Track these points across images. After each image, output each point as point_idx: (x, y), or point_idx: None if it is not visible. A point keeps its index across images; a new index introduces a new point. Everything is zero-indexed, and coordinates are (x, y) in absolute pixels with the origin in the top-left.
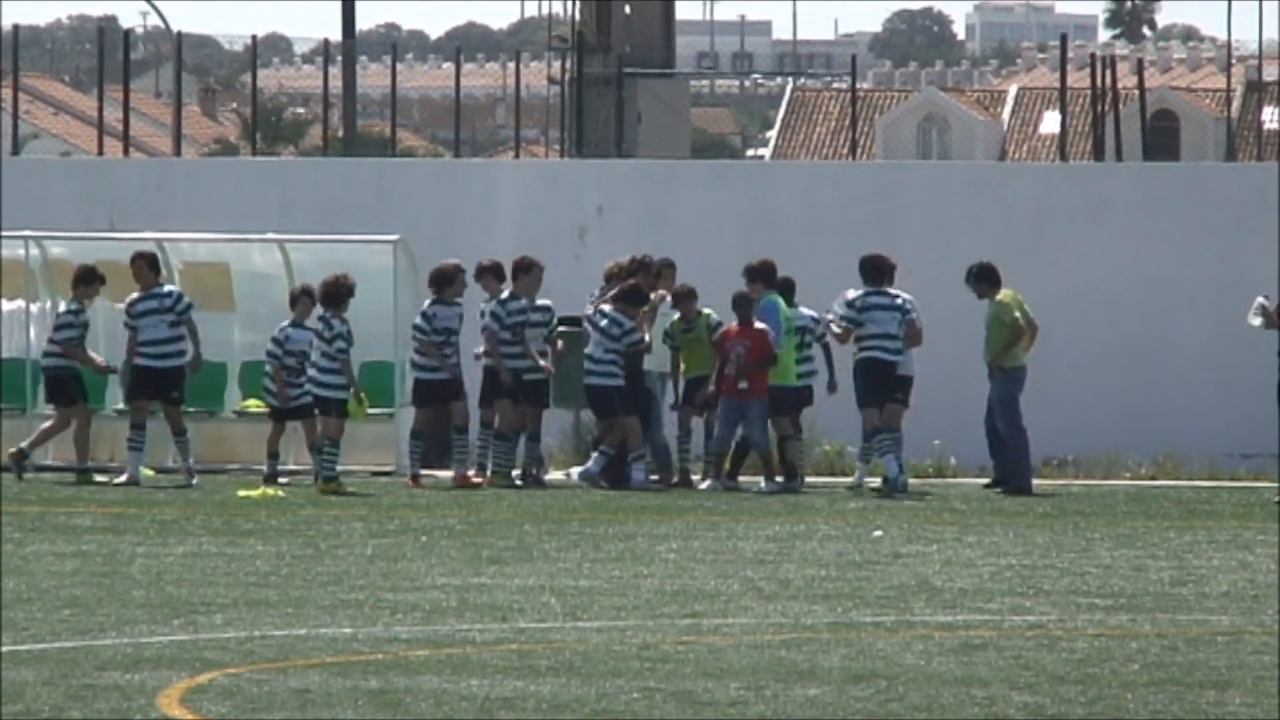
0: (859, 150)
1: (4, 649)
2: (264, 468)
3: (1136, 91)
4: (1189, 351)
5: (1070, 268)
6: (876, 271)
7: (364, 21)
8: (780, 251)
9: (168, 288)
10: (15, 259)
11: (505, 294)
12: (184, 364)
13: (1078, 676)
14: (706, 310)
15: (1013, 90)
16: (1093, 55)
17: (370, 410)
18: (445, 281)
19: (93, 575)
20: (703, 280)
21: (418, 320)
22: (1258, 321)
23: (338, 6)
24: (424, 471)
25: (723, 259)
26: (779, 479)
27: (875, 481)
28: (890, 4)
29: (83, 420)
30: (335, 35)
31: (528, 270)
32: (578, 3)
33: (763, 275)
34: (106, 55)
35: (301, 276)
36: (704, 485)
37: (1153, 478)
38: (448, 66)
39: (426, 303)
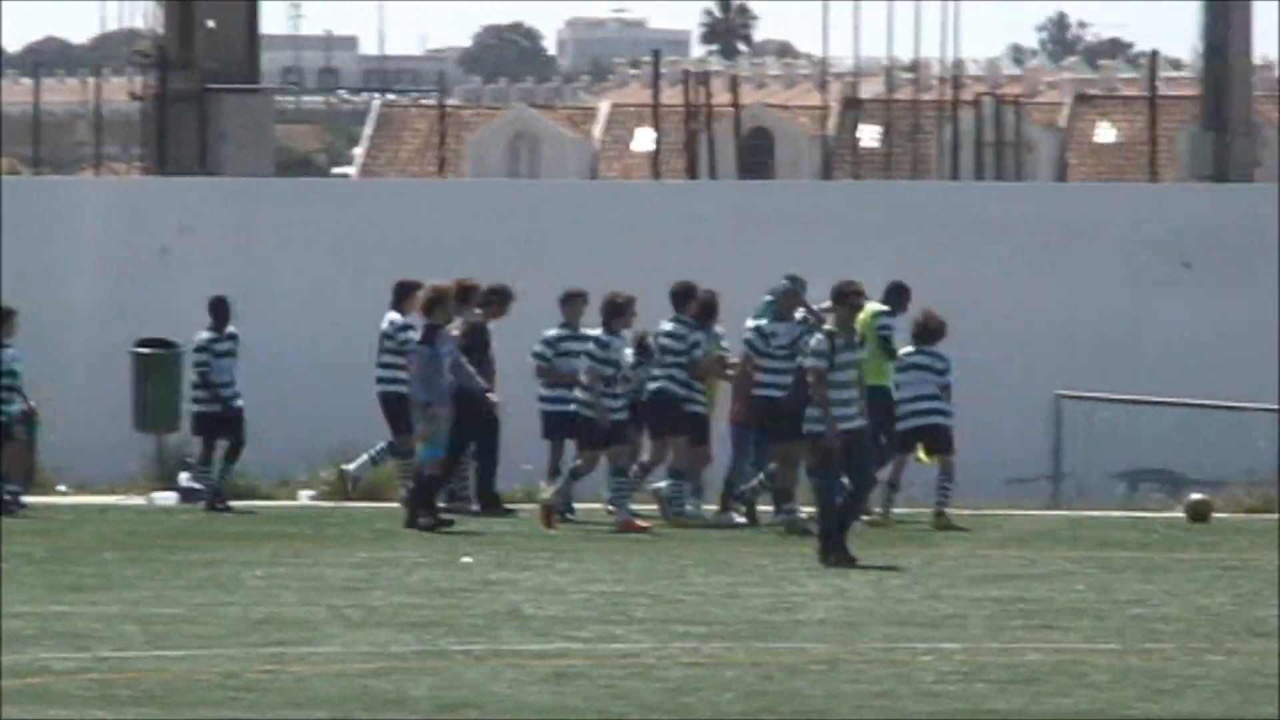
0: (447, 168)
1: None
2: None
3: (731, 108)
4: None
5: (663, 287)
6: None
7: None
8: (369, 272)
9: None
10: None
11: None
12: None
13: (671, 706)
14: None
15: (605, 107)
16: (686, 72)
17: None
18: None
19: None
20: (292, 302)
21: None
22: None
23: None
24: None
25: (311, 279)
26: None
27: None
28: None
29: None
30: None
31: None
32: (160, 17)
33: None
34: None
35: None
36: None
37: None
38: (26, 82)
39: None
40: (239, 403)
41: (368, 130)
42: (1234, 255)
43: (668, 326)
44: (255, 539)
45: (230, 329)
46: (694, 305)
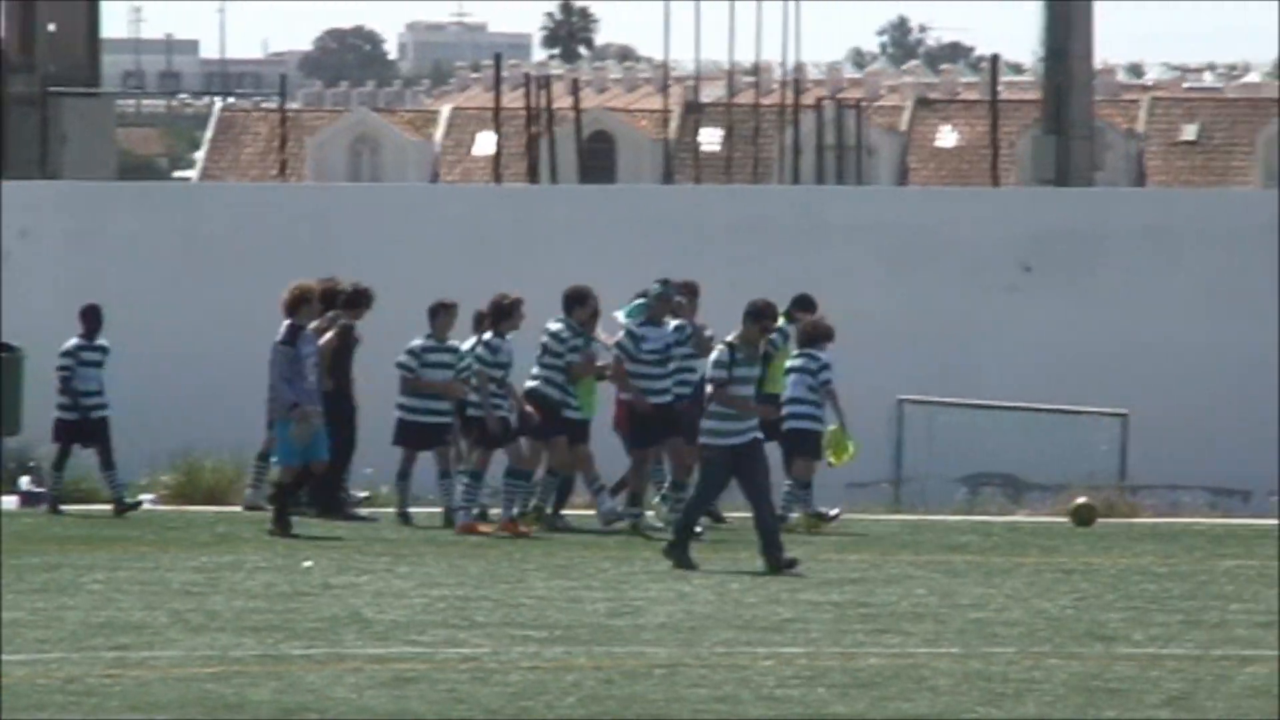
0: (289, 171)
1: None
2: None
3: (572, 112)
4: None
5: (503, 290)
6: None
7: None
8: (211, 275)
9: None
10: None
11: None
12: None
13: (512, 710)
14: None
15: (446, 110)
16: (527, 75)
17: None
18: None
19: None
20: (133, 306)
21: None
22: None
23: None
24: None
25: (152, 282)
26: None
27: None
28: (321, 22)
29: None
30: None
31: None
32: (0, 19)
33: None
34: None
35: None
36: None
37: (587, 508)
38: None
39: None
40: (101, 413)
41: (209, 134)
42: (1075, 259)
43: (553, 327)
44: (96, 543)
45: (101, 340)
46: (583, 311)
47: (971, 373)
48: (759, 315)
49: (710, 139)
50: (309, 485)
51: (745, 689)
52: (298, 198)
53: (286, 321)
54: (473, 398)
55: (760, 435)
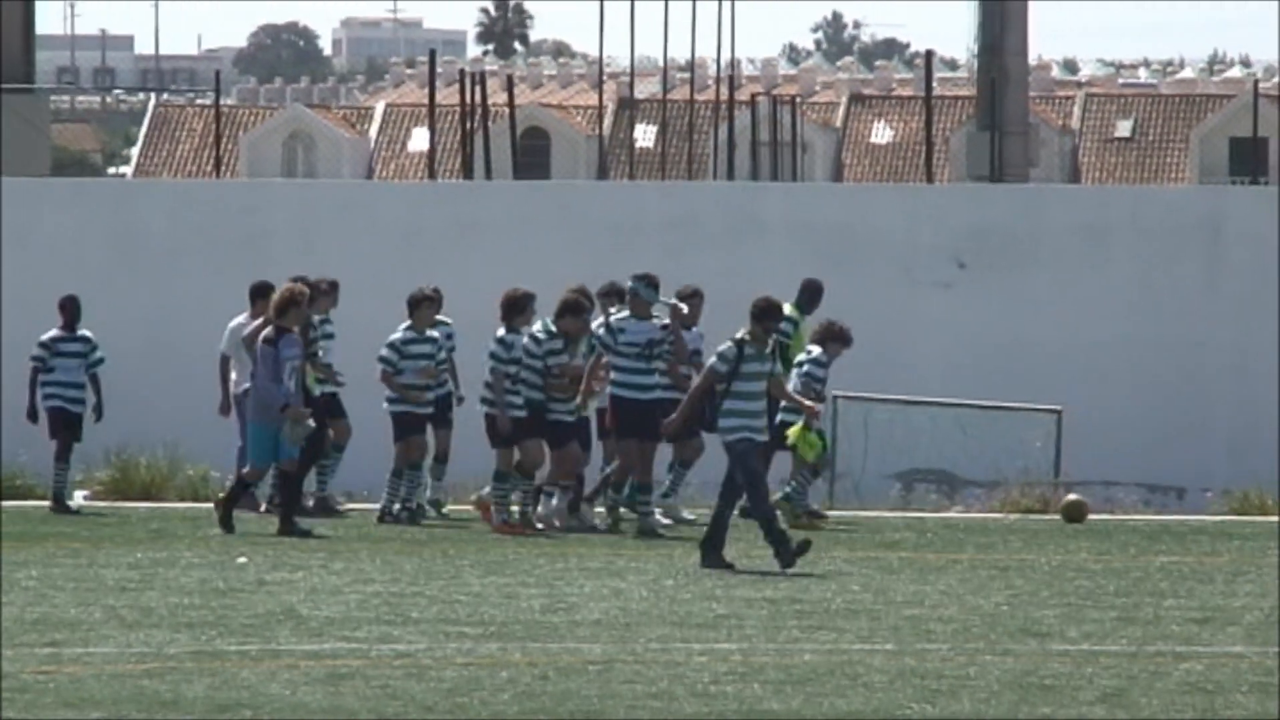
0: (223, 168)
1: None
2: None
3: (507, 109)
4: None
5: (441, 287)
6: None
7: None
8: (146, 272)
9: None
10: None
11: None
12: None
13: (447, 706)
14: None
15: (380, 107)
16: (462, 71)
17: None
18: None
19: None
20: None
21: None
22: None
23: None
24: None
25: (86, 279)
26: None
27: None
28: (256, 18)
29: None
30: None
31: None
32: None
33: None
34: None
35: None
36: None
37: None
38: None
39: None
40: (78, 408)
41: (143, 130)
42: (1009, 256)
43: (536, 333)
44: (30, 539)
45: (83, 331)
46: (569, 321)
47: (906, 369)
48: (762, 315)
49: (645, 135)
50: (281, 484)
51: (680, 685)
52: (232, 194)
53: (275, 322)
54: (487, 395)
55: (766, 438)
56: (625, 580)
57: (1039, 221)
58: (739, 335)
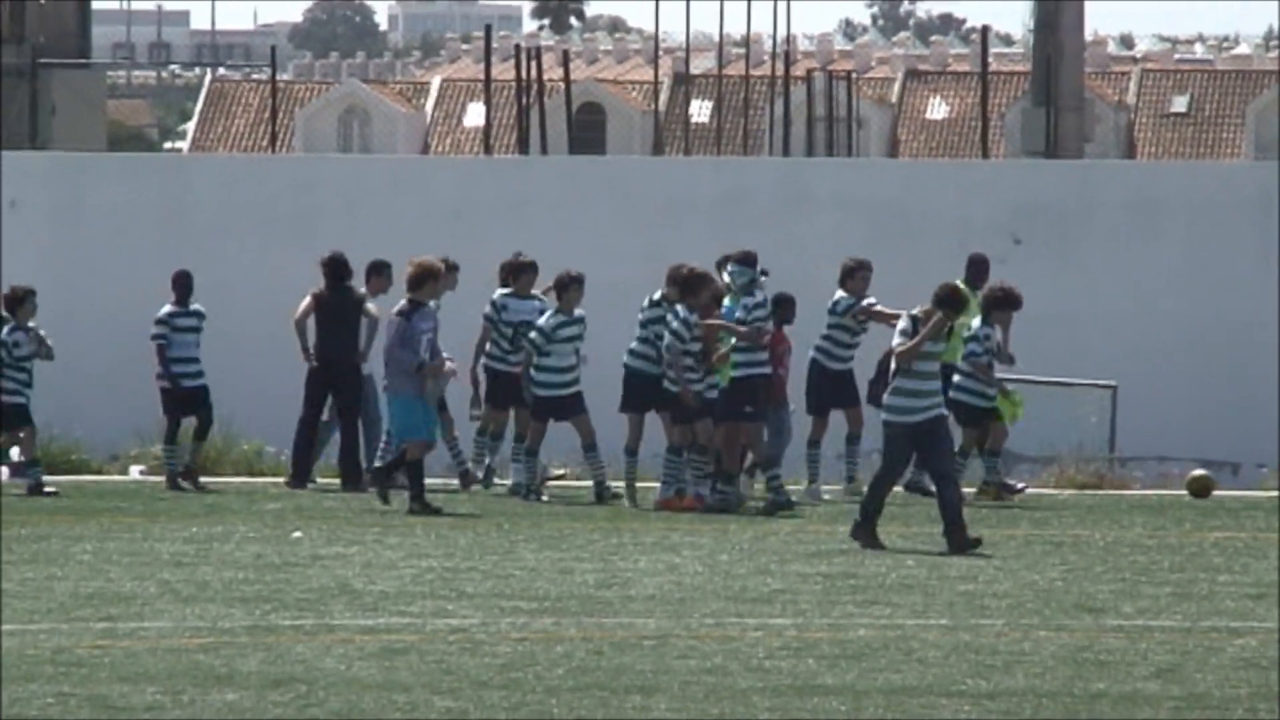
0: (279, 143)
1: None
2: None
3: (562, 84)
4: (614, 345)
5: (495, 263)
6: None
7: None
8: (197, 247)
9: None
10: None
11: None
12: None
13: (501, 681)
14: None
15: (436, 82)
16: (518, 46)
17: None
18: None
19: None
20: (122, 278)
21: None
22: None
23: None
24: None
25: (137, 254)
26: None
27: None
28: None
29: None
30: None
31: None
32: None
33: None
34: None
35: None
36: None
37: (578, 478)
38: None
39: None
40: (194, 383)
41: (199, 105)
42: (1064, 231)
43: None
44: (86, 514)
45: (196, 305)
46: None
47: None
48: (943, 303)
49: (700, 110)
50: (409, 468)
51: (734, 660)
52: (287, 169)
53: (408, 296)
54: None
55: (943, 412)
56: (680, 555)
57: (1094, 197)
58: (914, 311)
